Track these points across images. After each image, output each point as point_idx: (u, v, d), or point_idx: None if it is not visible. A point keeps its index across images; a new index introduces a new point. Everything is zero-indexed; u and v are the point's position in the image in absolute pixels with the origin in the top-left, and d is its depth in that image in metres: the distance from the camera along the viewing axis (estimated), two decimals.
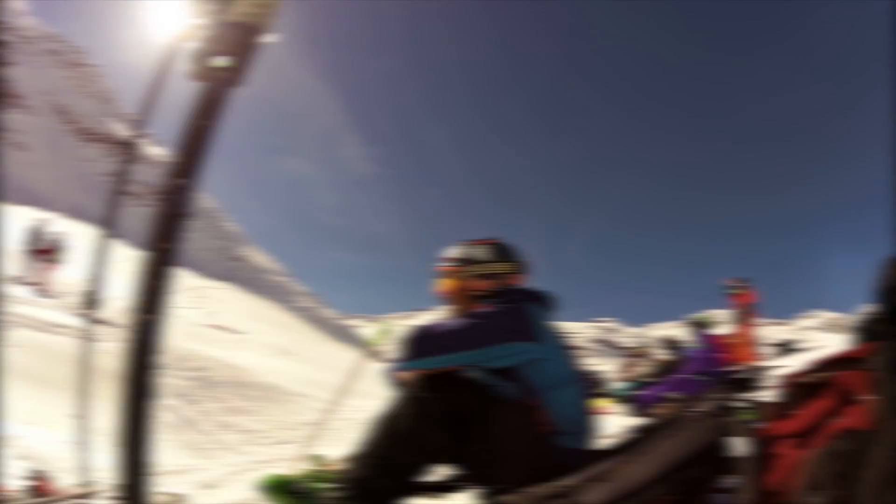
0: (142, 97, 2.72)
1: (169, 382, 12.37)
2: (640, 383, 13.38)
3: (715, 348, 10.74)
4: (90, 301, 3.19)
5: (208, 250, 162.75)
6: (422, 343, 3.03)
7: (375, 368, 8.88)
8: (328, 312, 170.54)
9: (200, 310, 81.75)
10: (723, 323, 11.59)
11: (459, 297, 3.58)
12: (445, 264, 3.65)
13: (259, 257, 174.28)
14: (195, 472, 7.60)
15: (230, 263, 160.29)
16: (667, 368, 12.90)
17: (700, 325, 11.26)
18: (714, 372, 10.43)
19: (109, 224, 2.93)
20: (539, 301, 3.33)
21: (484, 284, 3.48)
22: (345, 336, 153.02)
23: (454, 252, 3.65)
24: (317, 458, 3.68)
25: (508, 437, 2.90)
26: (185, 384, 12.78)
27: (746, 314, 14.71)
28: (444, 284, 3.65)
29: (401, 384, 3.14)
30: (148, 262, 0.81)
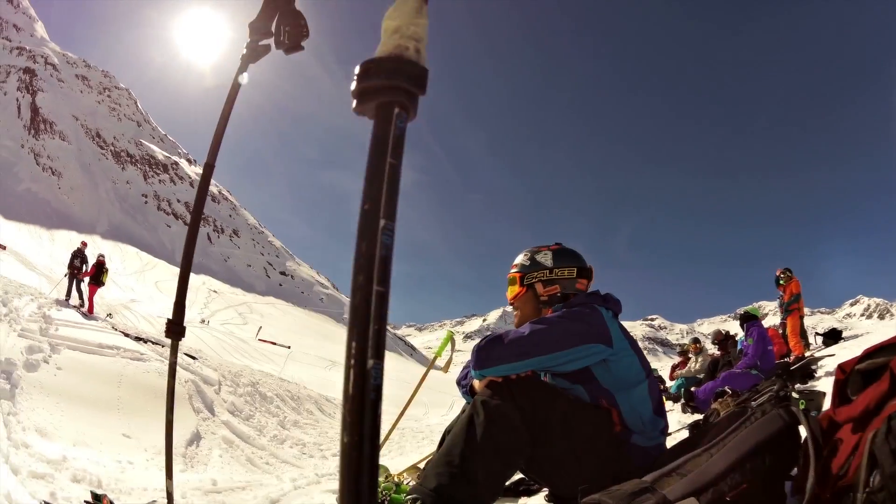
0: (218, 122, 2.80)
1: (224, 399, 12.50)
2: (694, 379, 13.23)
3: (766, 340, 10.56)
4: (175, 323, 3.30)
5: (255, 266, 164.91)
6: (495, 349, 3.04)
7: (442, 377, 8.91)
8: None
9: (250, 325, 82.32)
10: (771, 314, 11.45)
11: (527, 303, 3.62)
12: (512, 271, 3.69)
13: (306, 271, 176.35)
14: (258, 488, 7.65)
15: (277, 278, 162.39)
16: (719, 363, 12.74)
17: (749, 317, 11.09)
18: (767, 364, 10.26)
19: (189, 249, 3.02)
20: (605, 303, 3.38)
21: (551, 289, 3.55)
22: (394, 345, 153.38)
23: (520, 259, 3.69)
24: (381, 469, 3.67)
25: (583, 438, 2.93)
26: (238, 400, 12.92)
27: (794, 304, 14.53)
28: (512, 291, 3.67)
29: (475, 391, 3.16)
30: (365, 308, 0.80)
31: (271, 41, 2.99)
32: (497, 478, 2.91)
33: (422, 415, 22.05)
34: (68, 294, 19.26)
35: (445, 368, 6.68)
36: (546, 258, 3.61)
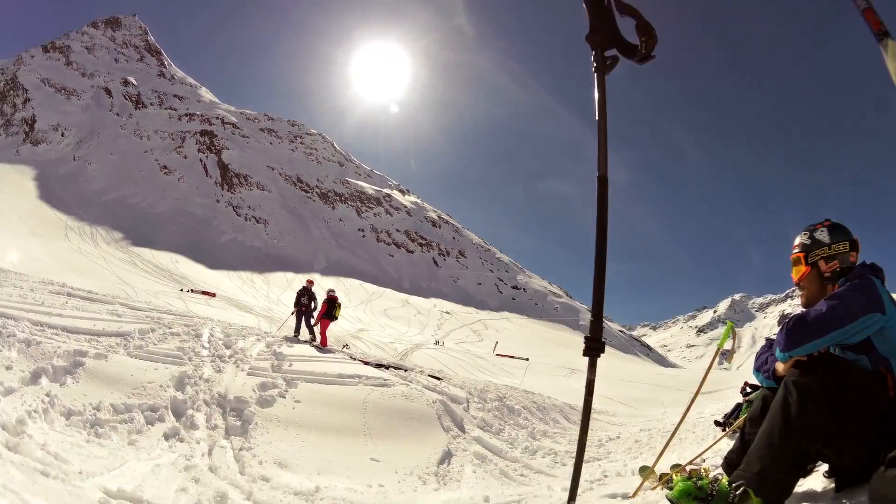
0: (598, 133, 2.92)
1: (473, 415, 12.67)
2: None
3: None
4: (593, 339, 3.52)
5: (486, 284, 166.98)
6: (802, 330, 3.29)
7: (726, 368, 8.72)
8: (613, 326, 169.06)
9: (485, 342, 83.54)
10: None
11: (812, 281, 3.80)
12: (795, 251, 3.89)
13: (538, 282, 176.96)
14: (531, 500, 7.71)
15: (510, 293, 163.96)
16: None
17: None
18: None
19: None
20: (875, 273, 3.56)
21: (831, 265, 3.72)
22: (632, 347, 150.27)
23: (799, 239, 3.89)
24: (647, 471, 3.72)
25: (868, 407, 3.14)
26: (487, 415, 13.03)
27: None
28: (798, 271, 3.87)
29: (780, 374, 3.43)
30: None
31: (615, 52, 3.13)
32: (807, 456, 3.17)
33: (661, 414, 21.47)
34: (297, 331, 19.91)
35: (729, 359, 6.60)
36: (823, 235, 3.78)
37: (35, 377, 8.97)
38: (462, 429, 11.61)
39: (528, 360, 56.02)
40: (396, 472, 8.89)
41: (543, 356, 65.57)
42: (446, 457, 9.97)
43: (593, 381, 3.34)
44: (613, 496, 7.27)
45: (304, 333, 19.88)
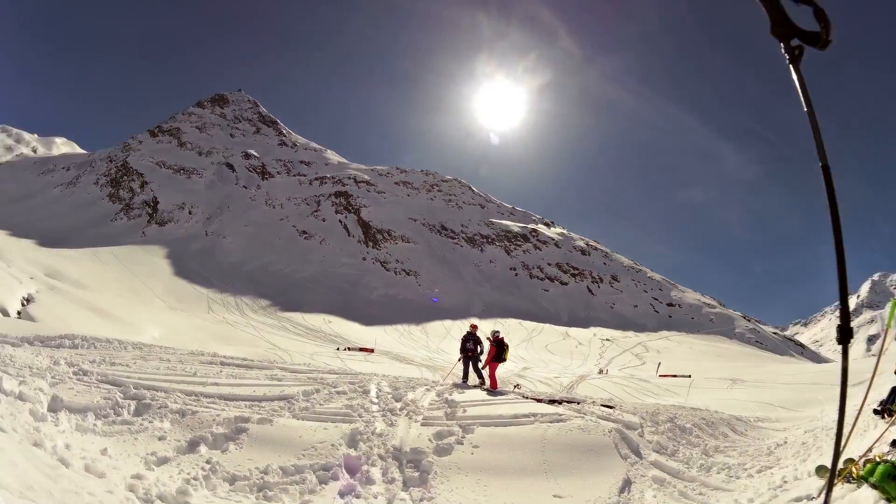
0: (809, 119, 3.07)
1: (648, 440, 12.56)
2: None
3: None
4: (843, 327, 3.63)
5: (641, 305, 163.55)
6: None
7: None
8: (766, 329, 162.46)
9: (647, 364, 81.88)
10: None
11: None
12: None
13: (691, 295, 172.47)
14: None
15: (665, 311, 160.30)
16: None
17: None
18: None
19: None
20: None
21: None
22: (787, 348, 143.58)
23: None
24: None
25: None
26: (661, 437, 13.02)
27: None
28: None
29: None
30: None
31: (797, 41, 3.26)
32: None
33: (819, 413, 20.63)
34: (465, 377, 19.34)
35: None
36: None
37: (192, 445, 9.53)
38: (639, 454, 11.51)
39: (690, 377, 55.15)
40: None
41: (704, 371, 64.04)
42: (626, 485, 9.93)
43: (847, 369, 3.35)
44: (798, 500, 7.14)
45: (472, 378, 19.51)
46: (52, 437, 8.37)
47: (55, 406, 9.98)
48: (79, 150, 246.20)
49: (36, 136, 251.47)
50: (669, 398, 38.61)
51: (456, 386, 16.90)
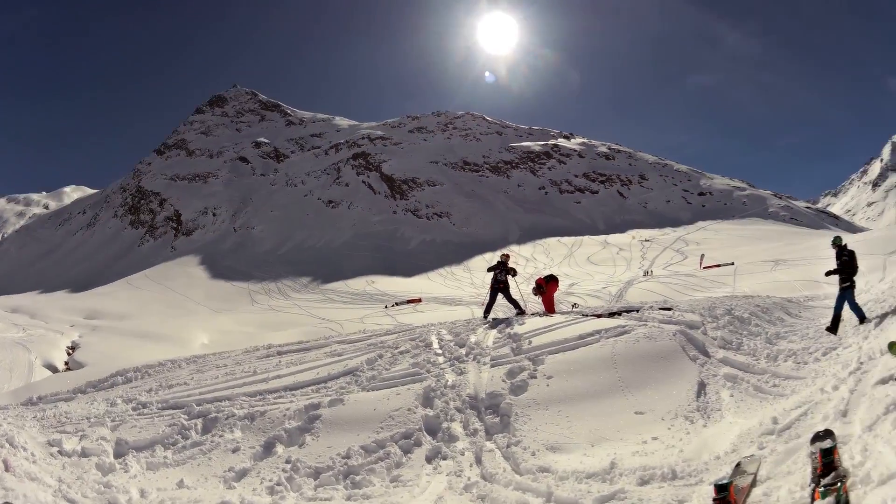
0: None
1: (712, 336, 12.51)
2: None
3: None
4: None
5: (674, 199, 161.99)
6: None
7: None
8: (799, 204, 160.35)
9: (690, 258, 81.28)
10: None
11: None
12: None
13: (719, 181, 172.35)
14: (815, 407, 7.60)
15: (698, 200, 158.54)
16: None
17: None
18: None
19: None
20: None
21: None
22: (822, 222, 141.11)
23: None
24: None
25: None
26: (723, 332, 12.81)
27: None
28: None
29: None
30: None
31: None
32: None
33: (864, 285, 19.93)
34: (487, 311, 17.47)
35: None
36: None
37: (268, 448, 9.41)
38: (706, 353, 11.27)
39: (733, 264, 54.79)
40: (663, 419, 8.92)
41: (746, 256, 63.37)
42: (701, 388, 9.79)
43: None
44: (884, 381, 6.96)
45: (504, 311, 18.58)
46: (124, 488, 8.41)
47: (121, 450, 9.88)
48: (90, 190, 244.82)
49: (44, 193, 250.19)
50: (718, 289, 38.39)
51: (514, 319, 15.72)
